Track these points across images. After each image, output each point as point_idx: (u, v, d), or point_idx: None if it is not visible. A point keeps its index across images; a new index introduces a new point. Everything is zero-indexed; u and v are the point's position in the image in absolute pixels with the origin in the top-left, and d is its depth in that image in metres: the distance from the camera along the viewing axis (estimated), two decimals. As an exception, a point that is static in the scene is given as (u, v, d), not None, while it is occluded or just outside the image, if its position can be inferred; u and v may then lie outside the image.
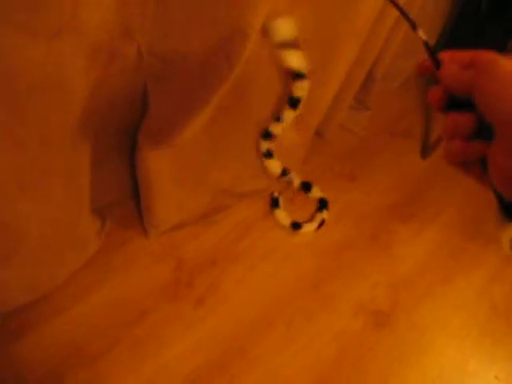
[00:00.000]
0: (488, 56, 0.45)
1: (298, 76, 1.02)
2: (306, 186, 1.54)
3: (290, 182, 1.51)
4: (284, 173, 1.40)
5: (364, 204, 1.60)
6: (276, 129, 1.19)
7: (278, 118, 1.15)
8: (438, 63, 0.49)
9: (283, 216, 1.48)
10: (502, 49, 1.44)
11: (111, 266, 1.31)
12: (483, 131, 0.45)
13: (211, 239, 1.41)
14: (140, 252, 1.35)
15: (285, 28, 0.90)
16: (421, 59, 0.52)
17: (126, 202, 1.36)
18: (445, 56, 0.49)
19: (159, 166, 1.14)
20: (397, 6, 0.54)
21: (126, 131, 1.10)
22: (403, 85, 1.91)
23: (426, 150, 1.77)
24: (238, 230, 1.45)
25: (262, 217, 1.49)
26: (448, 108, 0.49)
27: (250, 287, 1.36)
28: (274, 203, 1.50)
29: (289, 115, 1.13)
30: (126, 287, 1.29)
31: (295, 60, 0.97)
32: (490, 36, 1.76)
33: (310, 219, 1.52)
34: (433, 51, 0.50)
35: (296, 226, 1.47)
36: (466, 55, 0.48)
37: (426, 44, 0.51)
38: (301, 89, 1.06)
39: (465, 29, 1.82)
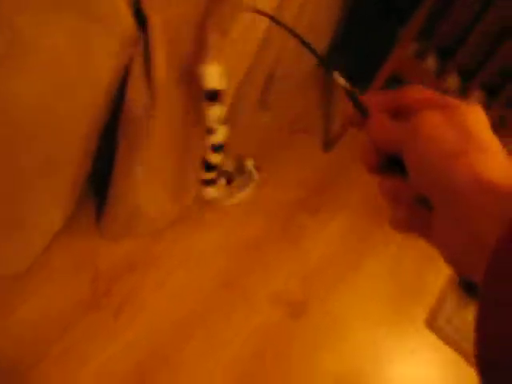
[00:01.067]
0: (415, 105, 0.39)
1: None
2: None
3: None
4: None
5: (272, 199, 1.65)
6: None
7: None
8: (363, 112, 0.41)
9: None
10: (394, 40, 1.53)
11: (29, 279, 1.27)
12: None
13: (126, 246, 1.40)
14: (56, 264, 1.32)
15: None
16: (347, 108, 0.46)
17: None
18: (371, 101, 0.42)
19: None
20: (310, 48, 0.46)
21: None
22: (301, 83, 1.98)
23: (327, 144, 1.85)
24: (153, 233, 1.45)
25: (175, 219, 1.50)
26: (383, 169, 0.41)
27: (168, 293, 1.37)
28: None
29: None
30: (46, 301, 1.26)
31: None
32: (383, 29, 1.86)
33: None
34: (356, 98, 0.42)
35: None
36: (393, 98, 0.41)
37: (346, 90, 0.42)
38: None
39: (358, 23, 1.91)
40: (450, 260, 0.35)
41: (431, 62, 1.50)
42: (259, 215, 1.60)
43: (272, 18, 0.49)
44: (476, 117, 0.36)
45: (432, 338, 1.53)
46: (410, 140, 0.36)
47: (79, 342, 1.24)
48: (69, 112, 0.91)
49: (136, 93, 0.95)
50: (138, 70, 0.90)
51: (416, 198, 0.38)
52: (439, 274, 1.66)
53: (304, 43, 0.46)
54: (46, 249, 1.29)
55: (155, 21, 0.82)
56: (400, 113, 0.40)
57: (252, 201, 1.62)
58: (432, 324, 1.55)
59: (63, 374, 1.20)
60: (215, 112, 0.99)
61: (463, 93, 1.46)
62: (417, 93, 0.40)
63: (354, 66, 2.10)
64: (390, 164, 0.40)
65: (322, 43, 1.85)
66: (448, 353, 1.51)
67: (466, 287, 1.70)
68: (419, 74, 1.53)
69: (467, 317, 1.59)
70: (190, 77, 0.97)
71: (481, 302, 0.28)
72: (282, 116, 1.85)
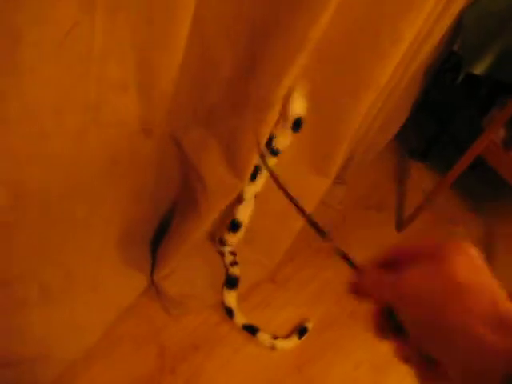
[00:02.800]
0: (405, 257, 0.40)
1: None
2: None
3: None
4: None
5: (343, 280, 1.58)
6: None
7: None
8: (357, 270, 0.42)
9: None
10: (477, 128, 1.49)
11: (93, 352, 1.24)
12: None
13: (192, 323, 1.37)
14: (121, 337, 1.29)
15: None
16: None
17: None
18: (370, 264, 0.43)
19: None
20: (306, 217, 0.46)
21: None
22: (375, 158, 1.94)
23: (400, 223, 1.79)
24: (218, 312, 1.41)
25: (245, 296, 1.46)
26: (390, 330, 0.42)
27: (235, 372, 1.32)
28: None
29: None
30: (109, 375, 1.22)
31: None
32: (457, 118, 1.83)
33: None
34: (349, 260, 0.43)
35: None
36: (386, 253, 0.43)
37: (340, 253, 0.44)
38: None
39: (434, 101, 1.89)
40: None
41: (520, 151, 1.45)
42: (330, 296, 1.54)
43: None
44: (464, 261, 0.36)
45: None
46: (398, 302, 0.37)
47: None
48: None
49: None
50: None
51: (422, 355, 0.38)
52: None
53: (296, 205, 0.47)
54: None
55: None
56: (393, 264, 0.40)
57: (323, 282, 1.57)
58: None
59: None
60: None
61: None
62: (406, 246, 0.41)
63: (427, 143, 2.07)
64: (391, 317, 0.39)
65: (401, 118, 1.82)
66: None
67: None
68: (506, 161, 1.48)
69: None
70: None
71: None
72: (356, 190, 1.81)
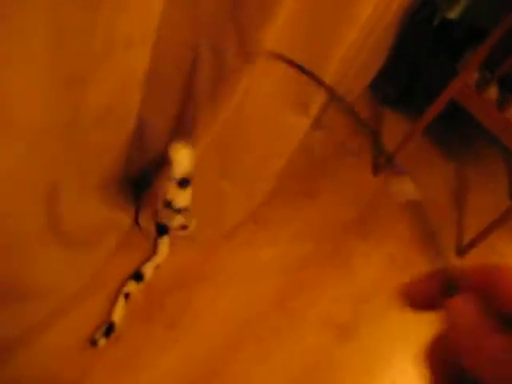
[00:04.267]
0: None
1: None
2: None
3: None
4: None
5: (321, 221, 1.65)
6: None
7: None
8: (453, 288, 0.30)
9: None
10: (450, 75, 1.53)
11: (85, 289, 1.27)
12: None
13: (178, 261, 1.40)
14: (111, 275, 1.32)
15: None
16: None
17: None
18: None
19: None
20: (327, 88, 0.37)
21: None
22: (352, 103, 1.98)
23: (376, 167, 1.85)
24: (205, 249, 1.45)
25: (228, 236, 1.50)
26: None
27: (219, 308, 1.37)
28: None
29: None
30: (96, 313, 1.26)
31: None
32: (431, 66, 1.87)
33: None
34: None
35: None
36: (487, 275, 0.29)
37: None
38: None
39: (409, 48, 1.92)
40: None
41: (493, 93, 1.50)
42: (309, 236, 1.60)
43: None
44: None
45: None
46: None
47: (131, 353, 1.24)
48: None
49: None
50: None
51: None
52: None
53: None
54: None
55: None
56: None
57: (303, 222, 1.62)
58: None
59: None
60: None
61: (524, 125, 1.45)
62: None
63: (403, 90, 2.12)
64: None
65: (376, 64, 1.86)
66: None
67: None
68: (479, 103, 1.53)
69: None
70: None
71: None
72: (334, 136, 1.86)
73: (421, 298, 0.32)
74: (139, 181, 1.42)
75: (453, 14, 1.53)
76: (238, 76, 1.09)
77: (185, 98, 1.21)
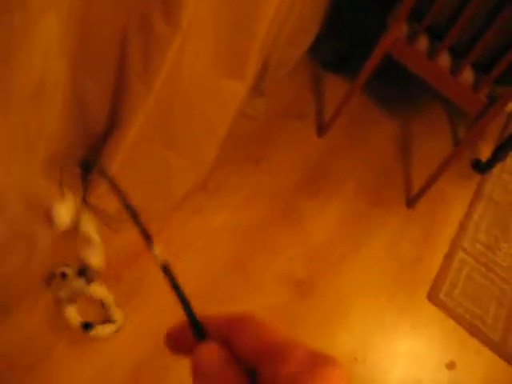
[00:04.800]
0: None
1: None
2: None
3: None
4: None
5: (271, 184, 1.68)
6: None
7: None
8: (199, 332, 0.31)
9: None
10: (382, 25, 1.57)
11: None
12: None
13: (132, 233, 1.41)
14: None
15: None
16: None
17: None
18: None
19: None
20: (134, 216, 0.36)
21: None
22: (293, 71, 2.01)
23: (321, 129, 1.88)
24: (158, 221, 1.46)
25: (178, 207, 1.51)
26: None
27: (176, 274, 1.38)
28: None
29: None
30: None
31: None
32: (366, 25, 1.91)
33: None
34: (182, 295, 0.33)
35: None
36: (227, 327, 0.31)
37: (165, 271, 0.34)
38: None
39: (345, 12, 1.96)
40: None
41: (423, 43, 1.54)
42: (260, 200, 1.62)
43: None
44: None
45: (434, 311, 1.57)
46: None
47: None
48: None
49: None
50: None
51: None
52: (435, 251, 1.71)
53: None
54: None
55: None
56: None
57: (253, 187, 1.64)
58: (433, 298, 1.59)
59: (76, 363, 1.21)
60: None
61: (455, 71, 1.50)
62: (252, 339, 0.30)
63: (344, 52, 2.16)
64: None
65: (312, 30, 1.89)
66: (450, 325, 1.56)
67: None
68: (411, 55, 1.57)
69: (467, 290, 1.64)
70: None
71: None
72: (277, 102, 1.88)
73: (179, 343, 0.33)
74: (86, 163, 1.43)
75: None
76: (167, 42, 1.10)
77: (120, 72, 1.21)
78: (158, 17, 1.05)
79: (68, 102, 1.18)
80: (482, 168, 2.00)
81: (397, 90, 2.14)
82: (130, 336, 1.27)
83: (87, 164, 1.41)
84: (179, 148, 1.43)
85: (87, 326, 1.21)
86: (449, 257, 1.70)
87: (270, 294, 1.44)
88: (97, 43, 1.13)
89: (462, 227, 1.81)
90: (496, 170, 2.02)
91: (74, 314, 1.22)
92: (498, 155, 1.93)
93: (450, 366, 1.49)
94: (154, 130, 1.34)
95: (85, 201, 1.40)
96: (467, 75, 1.51)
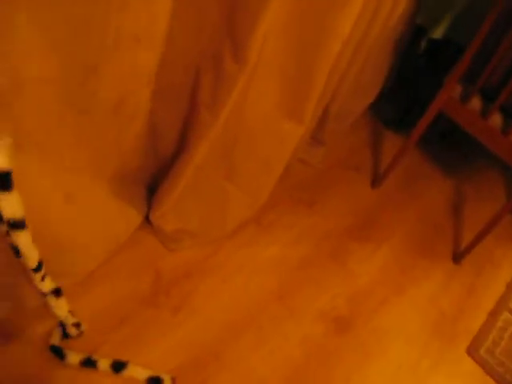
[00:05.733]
0: None
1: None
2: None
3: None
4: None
5: (322, 227, 1.76)
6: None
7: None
8: None
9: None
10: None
11: (93, 277, 1.40)
12: None
13: (185, 254, 1.53)
14: (121, 265, 1.46)
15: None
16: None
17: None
18: None
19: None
20: None
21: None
22: (354, 126, 2.13)
23: (375, 181, 1.97)
24: (211, 246, 1.58)
25: (231, 236, 1.62)
26: None
27: (223, 298, 1.48)
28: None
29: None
30: (108, 295, 1.39)
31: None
32: (428, 81, 2.02)
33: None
34: None
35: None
36: None
37: None
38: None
39: (406, 76, 2.08)
40: None
41: (475, 103, 1.62)
42: (310, 240, 1.71)
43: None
44: None
45: (472, 366, 1.57)
46: None
47: (136, 335, 1.35)
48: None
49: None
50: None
51: None
52: (479, 308, 1.71)
53: None
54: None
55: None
56: None
57: (304, 227, 1.73)
58: (473, 353, 1.59)
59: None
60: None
61: (506, 131, 1.57)
62: None
63: (401, 114, 2.26)
64: None
65: (373, 87, 2.01)
66: (488, 382, 1.55)
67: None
68: (464, 113, 1.65)
69: (510, 349, 1.63)
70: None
71: None
72: (335, 153, 2.00)
73: None
74: (152, 185, 1.58)
75: (436, 34, 1.69)
76: (234, 79, 1.24)
77: (192, 105, 1.37)
78: (227, 55, 1.20)
79: (145, 127, 1.35)
80: (535, 233, 2.00)
81: (455, 151, 2.21)
82: (175, 346, 1.36)
83: (153, 185, 1.55)
84: (239, 181, 1.56)
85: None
86: (493, 315, 1.70)
87: (307, 326, 1.50)
88: (173, 77, 1.29)
89: (510, 288, 1.80)
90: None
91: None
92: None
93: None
94: (217, 162, 1.48)
95: (147, 220, 1.54)
96: (518, 134, 1.57)
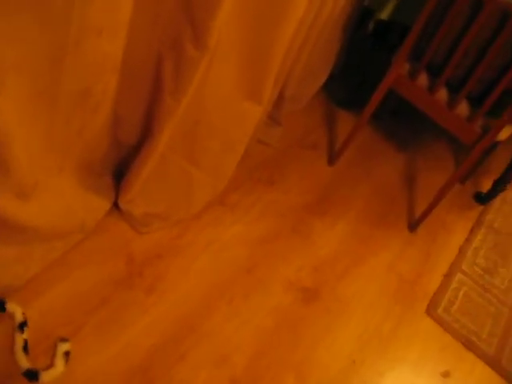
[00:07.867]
0: None
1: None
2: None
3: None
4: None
5: (283, 203, 1.84)
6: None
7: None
8: None
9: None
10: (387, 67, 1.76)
11: (68, 262, 1.44)
12: None
13: (155, 236, 1.59)
14: (94, 249, 1.50)
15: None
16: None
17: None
18: None
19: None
20: None
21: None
22: (308, 106, 2.21)
23: (331, 158, 2.06)
24: (179, 227, 1.64)
25: (197, 217, 1.68)
26: None
27: (194, 275, 1.54)
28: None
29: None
30: (85, 280, 1.43)
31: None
32: (377, 60, 2.12)
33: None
34: None
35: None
36: None
37: None
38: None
39: (355, 57, 2.17)
40: None
41: (422, 79, 1.72)
42: (272, 216, 1.79)
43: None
44: None
45: (431, 325, 1.68)
46: None
47: (115, 314, 1.40)
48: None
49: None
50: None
51: None
52: (434, 272, 1.83)
53: None
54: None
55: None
56: None
57: (266, 205, 1.81)
58: (432, 312, 1.70)
59: (100, 342, 1.35)
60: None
61: (451, 104, 1.67)
62: None
63: (352, 93, 2.36)
64: None
65: (323, 71, 2.09)
66: (446, 339, 1.67)
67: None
68: (412, 90, 1.75)
69: (464, 307, 1.75)
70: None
71: None
72: (292, 133, 2.08)
73: None
74: (119, 172, 1.62)
75: (383, 15, 1.78)
76: (196, 64, 1.29)
77: (154, 92, 1.41)
78: (188, 42, 1.25)
79: (110, 116, 1.38)
80: (482, 199, 2.14)
81: (405, 127, 2.33)
82: (152, 323, 1.41)
83: (120, 173, 1.59)
84: (202, 164, 1.62)
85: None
86: (448, 277, 1.82)
87: (275, 297, 1.58)
88: (134, 64, 1.33)
89: (462, 252, 1.93)
90: (497, 201, 2.16)
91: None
92: (497, 187, 2.07)
93: (445, 374, 1.59)
94: (180, 144, 1.53)
95: (116, 206, 1.58)
96: (462, 108, 1.67)
